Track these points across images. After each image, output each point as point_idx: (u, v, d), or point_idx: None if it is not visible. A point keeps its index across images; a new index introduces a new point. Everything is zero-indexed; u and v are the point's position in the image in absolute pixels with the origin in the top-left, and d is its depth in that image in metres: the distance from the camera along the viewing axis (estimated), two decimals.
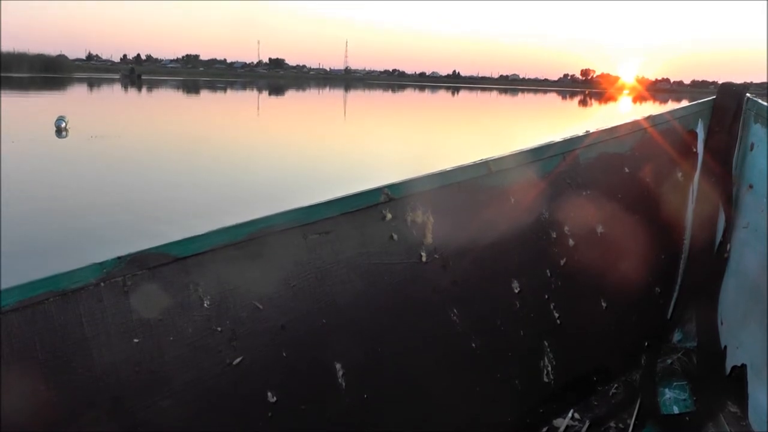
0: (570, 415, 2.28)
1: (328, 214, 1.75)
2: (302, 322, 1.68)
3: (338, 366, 1.72)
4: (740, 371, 2.31)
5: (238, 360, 1.57)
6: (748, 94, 2.60)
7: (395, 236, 1.87)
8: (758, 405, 2.18)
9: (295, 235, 1.69)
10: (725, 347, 2.45)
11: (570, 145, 2.34)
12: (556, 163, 2.28)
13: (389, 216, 1.86)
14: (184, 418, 1.49)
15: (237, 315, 1.58)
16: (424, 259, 1.92)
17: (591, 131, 2.43)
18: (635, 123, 2.55)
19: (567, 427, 2.24)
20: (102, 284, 1.40)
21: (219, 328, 1.55)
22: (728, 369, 2.39)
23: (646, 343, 2.62)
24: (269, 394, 1.61)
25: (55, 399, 1.34)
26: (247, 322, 1.59)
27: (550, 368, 2.23)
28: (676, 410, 2.35)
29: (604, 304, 2.42)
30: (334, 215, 1.76)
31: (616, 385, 2.47)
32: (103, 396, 1.39)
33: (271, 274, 1.65)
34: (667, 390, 2.43)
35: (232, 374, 1.56)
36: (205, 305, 1.53)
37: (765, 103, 2.50)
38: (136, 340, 1.44)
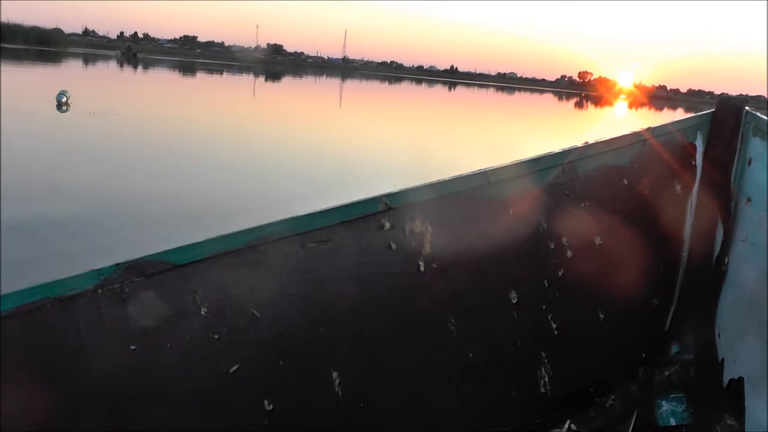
0: (567, 426, 2.27)
1: (327, 223, 1.74)
2: (299, 330, 1.68)
3: (335, 374, 1.72)
4: (737, 384, 2.32)
5: (235, 368, 1.57)
6: (746, 108, 2.61)
7: (393, 245, 1.86)
8: (755, 418, 2.19)
9: (294, 243, 1.68)
10: (723, 360, 2.46)
11: (569, 156, 2.34)
12: (555, 174, 2.28)
13: (388, 225, 1.86)
14: (180, 425, 1.48)
15: (234, 323, 1.57)
16: (422, 268, 1.92)
17: (590, 142, 2.43)
18: (634, 135, 2.56)
19: None
20: (99, 291, 1.40)
21: (216, 336, 1.54)
22: (726, 382, 2.40)
23: (644, 355, 2.62)
24: (266, 402, 1.60)
25: (52, 406, 1.33)
26: (245, 330, 1.58)
27: (547, 379, 2.22)
28: (673, 422, 2.36)
29: (601, 316, 2.41)
30: (333, 224, 1.75)
31: (613, 397, 2.46)
32: (100, 403, 1.39)
33: (269, 282, 1.64)
34: (664, 402, 2.43)
35: (229, 382, 1.55)
36: (203, 313, 1.53)
37: (764, 117, 2.52)
38: (133, 347, 1.43)
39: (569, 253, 2.30)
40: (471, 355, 2.02)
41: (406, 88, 76.65)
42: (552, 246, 2.26)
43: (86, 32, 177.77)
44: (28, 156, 10.04)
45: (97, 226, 6.58)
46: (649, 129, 2.60)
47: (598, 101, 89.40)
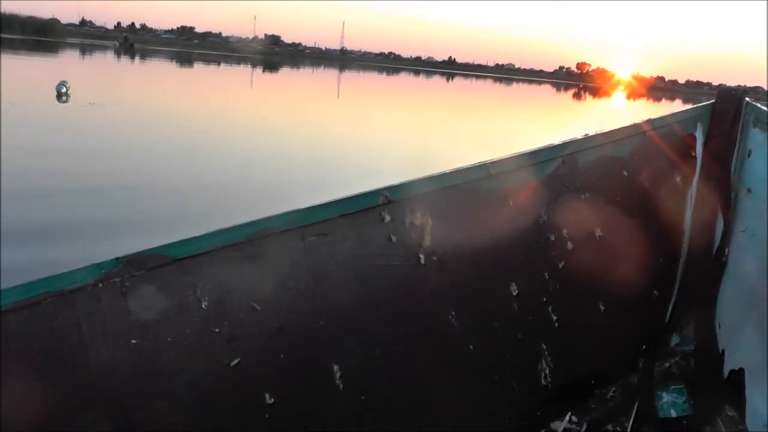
0: (567, 418, 2.27)
1: (327, 216, 1.73)
2: (300, 323, 1.67)
3: (336, 368, 1.71)
4: (738, 375, 2.34)
5: (236, 361, 1.56)
6: (747, 99, 2.61)
7: (393, 238, 1.86)
8: (756, 409, 2.20)
9: (294, 236, 1.67)
10: (723, 351, 2.47)
11: (569, 148, 2.33)
12: (555, 166, 2.27)
13: (388, 218, 1.85)
14: (181, 419, 1.48)
15: (235, 316, 1.57)
16: (422, 261, 1.91)
17: (590, 134, 2.42)
18: (634, 126, 2.55)
19: (564, 430, 2.23)
20: (100, 285, 1.39)
21: (217, 330, 1.54)
22: (726, 373, 2.41)
23: (644, 347, 2.61)
24: (266, 395, 1.60)
25: (53, 400, 1.32)
26: (245, 324, 1.58)
27: (547, 371, 2.22)
28: (673, 414, 2.36)
29: (602, 308, 2.41)
30: (333, 217, 1.74)
31: (613, 389, 2.46)
32: (101, 397, 1.38)
33: (269, 276, 1.63)
34: (664, 393, 2.44)
35: (230, 375, 1.55)
36: (203, 306, 1.52)
37: (764, 108, 2.52)
38: (133, 341, 1.43)
39: (569, 245, 2.29)
40: (471, 347, 2.02)
41: (404, 79, 76.46)
42: (552, 238, 2.26)
43: (83, 23, 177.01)
44: (30, 147, 9.95)
45: (97, 218, 6.55)
46: (648, 120, 2.59)
47: (596, 92, 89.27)
